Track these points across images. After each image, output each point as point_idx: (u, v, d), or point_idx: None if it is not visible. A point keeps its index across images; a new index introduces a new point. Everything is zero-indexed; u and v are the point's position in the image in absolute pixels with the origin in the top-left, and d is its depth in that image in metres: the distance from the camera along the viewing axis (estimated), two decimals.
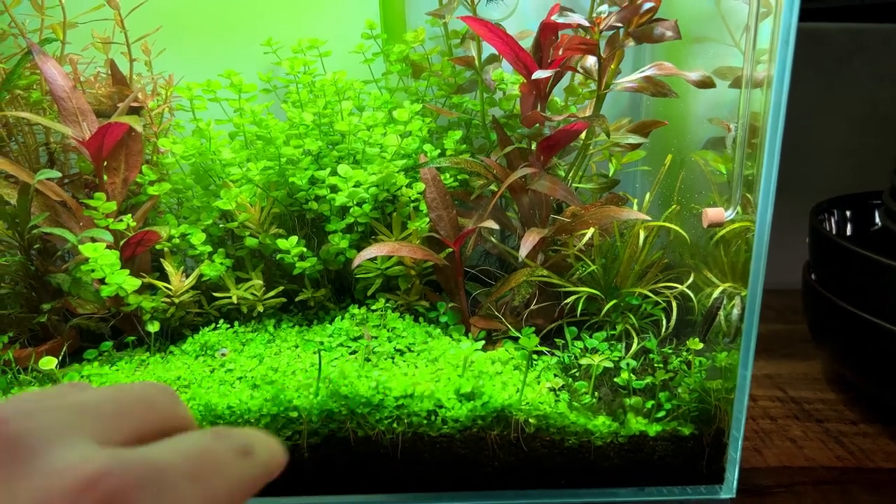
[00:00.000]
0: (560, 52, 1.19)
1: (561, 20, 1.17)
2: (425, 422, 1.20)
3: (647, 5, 1.15)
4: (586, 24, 1.18)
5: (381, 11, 1.63)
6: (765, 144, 1.10)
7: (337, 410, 1.19)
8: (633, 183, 1.70)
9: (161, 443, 0.39)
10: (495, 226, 1.29)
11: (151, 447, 0.38)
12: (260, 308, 1.42)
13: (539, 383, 1.26)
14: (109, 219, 1.32)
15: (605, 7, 1.19)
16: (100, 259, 1.23)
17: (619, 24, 1.19)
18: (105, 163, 1.37)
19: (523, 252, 1.30)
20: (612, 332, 1.39)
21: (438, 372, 1.26)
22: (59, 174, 1.22)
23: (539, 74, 1.23)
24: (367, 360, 1.28)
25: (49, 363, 1.23)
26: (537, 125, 1.36)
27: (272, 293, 1.43)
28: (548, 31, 1.32)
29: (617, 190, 1.55)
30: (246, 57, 1.68)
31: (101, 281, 1.30)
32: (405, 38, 1.51)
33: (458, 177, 1.47)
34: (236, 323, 1.41)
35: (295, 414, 1.19)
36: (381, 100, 1.47)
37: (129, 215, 1.34)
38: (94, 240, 1.27)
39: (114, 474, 0.35)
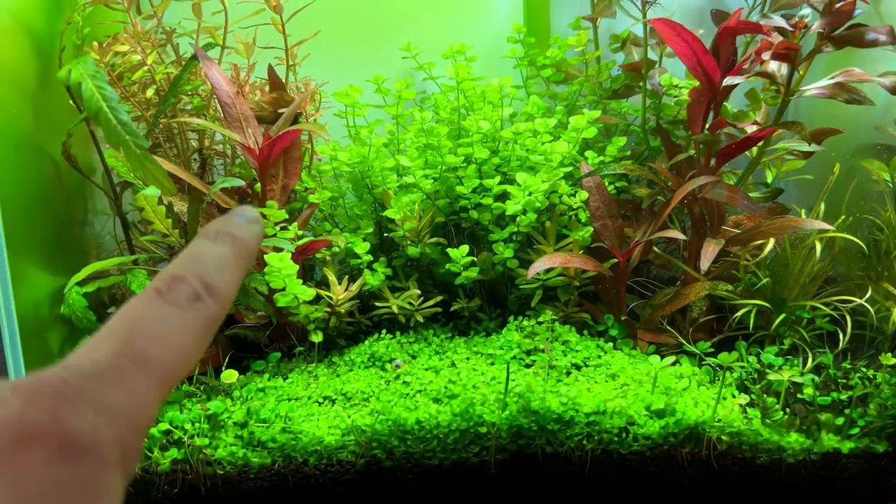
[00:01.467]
0: (761, 56, 1.16)
1: (763, 22, 1.14)
2: (616, 439, 1.17)
3: (859, 11, 1.11)
4: (788, 27, 1.15)
5: (526, 16, 1.60)
6: None
7: (527, 426, 1.16)
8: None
9: (94, 338, 0.35)
10: (682, 236, 1.26)
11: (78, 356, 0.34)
12: (419, 318, 1.39)
13: (725, 399, 1.22)
14: (277, 227, 1.29)
15: (806, 10, 1.15)
16: (283, 269, 1.20)
17: (821, 29, 1.16)
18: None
19: (705, 265, 1.27)
20: (782, 347, 1.35)
21: (624, 388, 1.23)
22: (243, 182, 1.20)
23: (731, 81, 1.20)
24: (548, 374, 1.25)
25: (230, 376, 1.21)
26: (706, 132, 1.33)
27: (430, 303, 1.41)
28: (727, 34, 1.28)
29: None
30: (375, 61, 1.65)
31: (272, 290, 1.27)
32: (567, 41, 1.48)
33: (617, 184, 1.44)
34: (397, 333, 1.39)
35: (484, 429, 1.16)
36: (537, 105, 1.44)
37: (295, 224, 1.31)
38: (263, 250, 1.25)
39: (36, 407, 0.30)
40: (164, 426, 1.16)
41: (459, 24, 1.69)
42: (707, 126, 1.28)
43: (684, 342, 1.32)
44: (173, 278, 0.38)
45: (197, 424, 1.17)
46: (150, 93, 1.29)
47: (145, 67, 1.27)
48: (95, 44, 1.26)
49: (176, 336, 0.36)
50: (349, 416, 1.18)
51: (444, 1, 1.66)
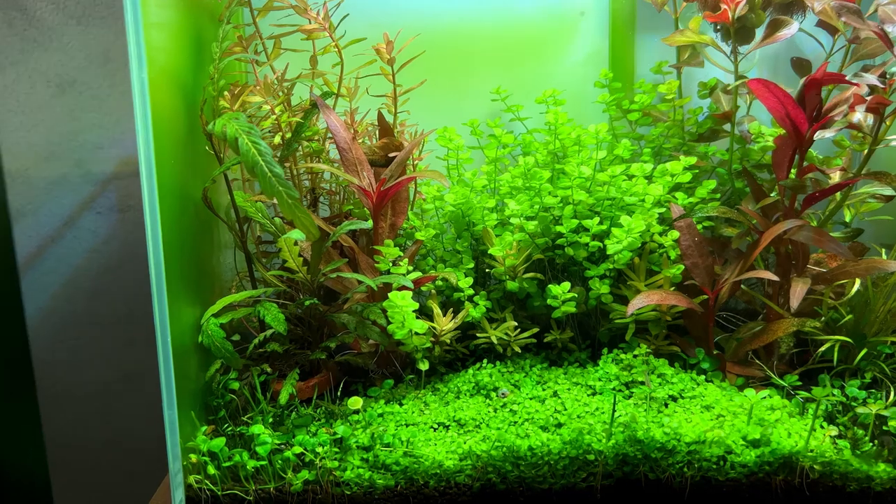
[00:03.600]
0: (854, 108, 1.24)
1: (857, 80, 1.22)
2: (714, 467, 1.25)
3: None
4: (879, 84, 1.23)
5: (611, 62, 1.69)
6: None
7: (632, 454, 1.25)
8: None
9: None
10: (775, 277, 1.34)
11: None
12: (516, 348, 1.49)
13: (815, 430, 1.30)
14: (390, 263, 1.39)
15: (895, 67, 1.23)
16: (405, 306, 1.30)
17: None
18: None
19: (795, 304, 1.35)
20: (864, 380, 1.42)
21: (720, 419, 1.31)
22: (368, 225, 1.30)
23: (823, 134, 1.28)
24: (649, 406, 1.33)
25: (355, 403, 1.31)
26: (793, 177, 1.41)
27: (526, 334, 1.50)
28: (812, 86, 1.37)
29: None
30: (464, 101, 1.76)
31: (387, 321, 1.37)
32: (658, 88, 1.57)
33: (705, 224, 1.52)
34: (497, 363, 1.48)
35: (592, 457, 1.25)
36: (627, 148, 1.53)
37: (406, 259, 1.41)
38: (372, 286, 1.35)
39: None
40: (298, 449, 1.26)
41: (542, 67, 1.78)
42: (794, 171, 1.37)
43: (773, 375, 1.39)
44: None
45: (326, 448, 1.27)
46: (277, 139, 1.40)
47: (273, 116, 1.38)
48: (227, 94, 1.37)
49: None
50: (465, 442, 1.28)
51: (528, 45, 1.76)
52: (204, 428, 1.32)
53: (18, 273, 0.58)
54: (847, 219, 1.57)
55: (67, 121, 1.90)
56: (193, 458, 1.26)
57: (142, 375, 1.95)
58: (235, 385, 1.40)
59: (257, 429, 1.29)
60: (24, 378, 0.66)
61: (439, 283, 1.49)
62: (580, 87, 1.71)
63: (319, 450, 1.26)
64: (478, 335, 1.49)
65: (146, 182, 1.11)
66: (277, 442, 1.29)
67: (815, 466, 1.25)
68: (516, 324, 1.50)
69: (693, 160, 1.43)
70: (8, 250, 0.56)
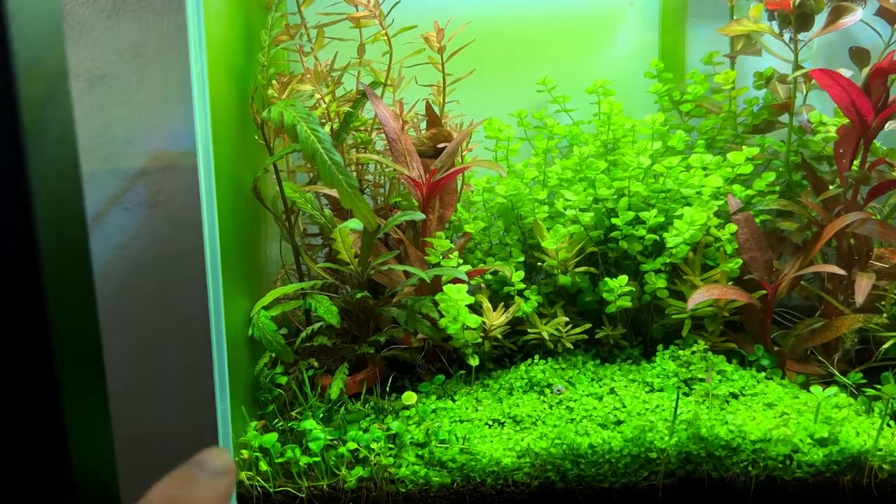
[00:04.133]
0: None
1: None
2: (781, 466, 1.21)
3: None
4: None
5: (662, 52, 1.66)
6: None
7: (695, 453, 1.21)
8: None
9: None
10: (842, 271, 1.30)
11: None
12: (568, 344, 1.45)
13: (883, 429, 1.26)
14: (440, 257, 1.36)
15: None
16: (459, 299, 1.27)
17: None
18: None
19: (860, 299, 1.31)
20: None
21: (783, 417, 1.27)
22: (422, 216, 1.27)
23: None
24: (711, 403, 1.29)
25: (410, 398, 1.28)
26: (856, 168, 1.37)
27: (578, 330, 1.46)
28: (878, 75, 1.33)
29: None
30: (506, 92, 1.73)
31: (438, 315, 1.34)
32: (715, 78, 1.54)
33: (761, 217, 1.48)
34: (549, 359, 1.44)
35: (654, 455, 1.21)
36: (681, 139, 1.49)
37: (456, 252, 1.38)
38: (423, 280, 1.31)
39: None
40: (353, 445, 1.23)
41: (589, 58, 1.75)
42: (857, 162, 1.33)
43: (837, 373, 1.35)
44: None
45: (380, 444, 1.24)
46: (326, 129, 1.37)
47: (323, 106, 1.35)
48: (275, 83, 1.34)
49: None
50: (522, 439, 1.24)
51: (574, 36, 1.72)
52: (254, 423, 1.30)
53: (91, 263, 0.55)
54: None
55: (96, 116, 1.87)
56: (245, 453, 1.23)
57: (171, 374, 1.92)
58: (283, 379, 1.37)
59: (309, 424, 1.26)
60: (96, 370, 0.64)
61: (488, 276, 1.46)
62: (629, 79, 1.67)
63: (374, 446, 1.23)
64: (528, 330, 1.45)
65: (203, 173, 1.09)
66: (329, 438, 1.26)
67: (883, 466, 1.21)
68: (567, 319, 1.47)
69: (755, 150, 1.40)
70: (82, 238, 0.53)
